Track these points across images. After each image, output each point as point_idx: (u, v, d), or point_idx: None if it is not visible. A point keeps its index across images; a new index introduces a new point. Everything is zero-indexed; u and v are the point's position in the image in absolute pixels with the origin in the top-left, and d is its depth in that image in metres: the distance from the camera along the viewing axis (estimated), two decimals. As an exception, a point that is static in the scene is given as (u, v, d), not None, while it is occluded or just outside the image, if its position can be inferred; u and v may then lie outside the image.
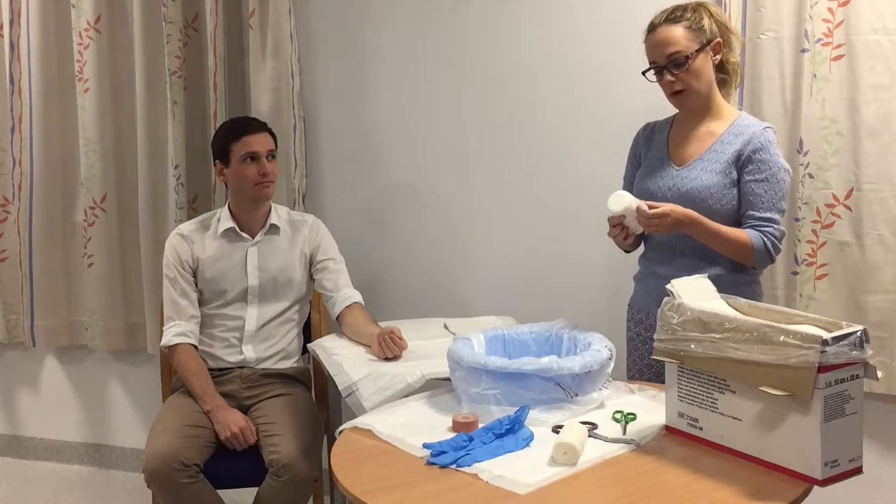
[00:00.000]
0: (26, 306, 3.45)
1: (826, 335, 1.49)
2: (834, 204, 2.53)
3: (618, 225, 2.10)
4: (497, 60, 2.94)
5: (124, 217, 3.34)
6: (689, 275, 1.89)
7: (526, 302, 2.91)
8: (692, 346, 1.68)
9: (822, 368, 1.48)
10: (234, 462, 2.42)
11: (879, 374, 1.57)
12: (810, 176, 2.53)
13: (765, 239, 2.08)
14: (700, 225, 2.07)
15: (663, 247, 2.24)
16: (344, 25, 3.10)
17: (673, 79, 2.14)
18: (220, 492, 2.40)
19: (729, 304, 1.79)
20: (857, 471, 1.56)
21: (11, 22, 3.34)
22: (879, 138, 2.47)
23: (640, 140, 2.36)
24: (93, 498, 3.37)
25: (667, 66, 2.13)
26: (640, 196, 2.21)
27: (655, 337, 1.76)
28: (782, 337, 1.53)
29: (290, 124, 3.08)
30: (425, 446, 1.73)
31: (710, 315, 1.68)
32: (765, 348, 1.55)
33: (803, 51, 2.51)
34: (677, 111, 2.28)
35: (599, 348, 1.96)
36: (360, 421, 1.93)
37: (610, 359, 1.95)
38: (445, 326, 2.71)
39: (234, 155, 2.60)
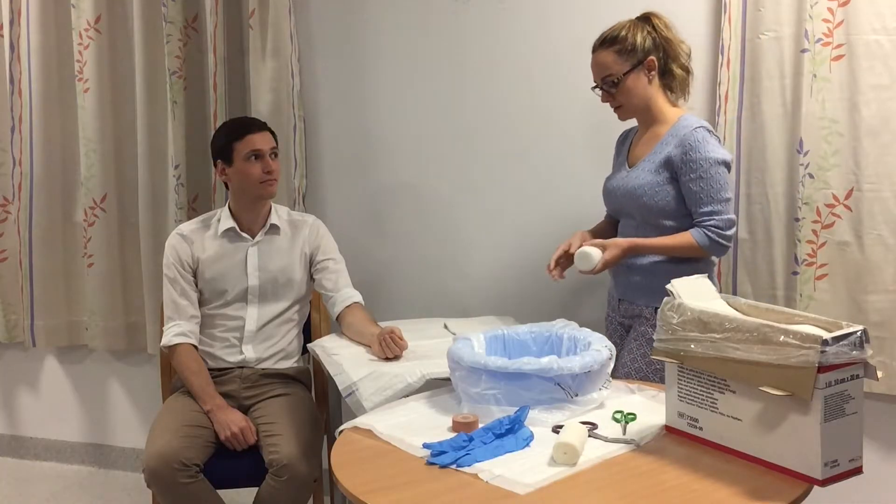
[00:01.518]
0: (26, 306, 3.45)
1: (826, 335, 1.49)
2: (834, 204, 2.53)
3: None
4: (497, 61, 2.94)
5: (124, 217, 3.34)
6: (643, 261, 2.26)
7: (526, 302, 2.91)
8: (692, 346, 1.68)
9: (822, 368, 1.48)
10: (234, 462, 2.42)
11: (879, 374, 1.57)
12: (810, 176, 2.53)
13: (707, 233, 2.22)
14: (640, 247, 2.28)
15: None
16: (344, 25, 3.10)
17: (609, 98, 2.35)
18: (220, 492, 2.39)
19: (729, 304, 1.79)
20: (857, 471, 1.56)
21: (11, 22, 3.34)
22: (879, 138, 2.47)
23: (617, 144, 2.57)
24: (93, 498, 3.37)
25: (602, 86, 2.35)
26: (605, 194, 2.48)
27: (655, 337, 1.76)
28: (782, 337, 1.53)
29: (290, 124, 3.08)
30: (425, 446, 1.73)
31: (710, 315, 1.68)
32: (765, 348, 1.55)
33: (803, 51, 2.51)
34: None
35: (599, 348, 1.96)
36: (360, 421, 1.93)
37: (610, 359, 1.95)
38: (445, 326, 2.71)
39: (237, 154, 2.59)
